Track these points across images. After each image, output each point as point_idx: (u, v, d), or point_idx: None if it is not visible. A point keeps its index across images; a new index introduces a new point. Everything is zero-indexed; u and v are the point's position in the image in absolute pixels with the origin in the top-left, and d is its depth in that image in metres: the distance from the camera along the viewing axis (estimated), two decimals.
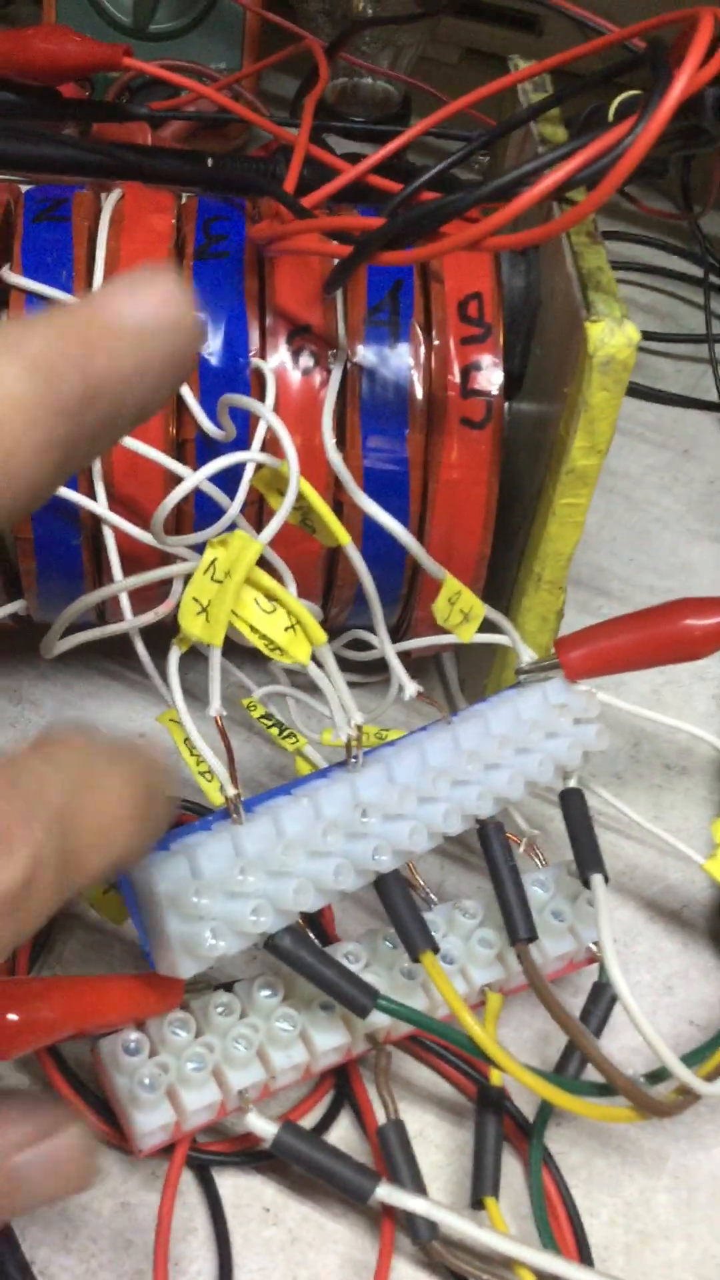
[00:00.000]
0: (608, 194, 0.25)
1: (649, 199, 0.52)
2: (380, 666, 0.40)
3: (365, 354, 0.33)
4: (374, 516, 0.29)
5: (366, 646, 0.35)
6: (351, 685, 0.33)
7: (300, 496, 0.28)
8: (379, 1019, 0.29)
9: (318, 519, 0.28)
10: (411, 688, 0.32)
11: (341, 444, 0.33)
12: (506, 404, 0.37)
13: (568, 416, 0.31)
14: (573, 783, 0.33)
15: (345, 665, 0.32)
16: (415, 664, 0.42)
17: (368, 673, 0.42)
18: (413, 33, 0.57)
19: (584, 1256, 0.30)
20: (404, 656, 0.38)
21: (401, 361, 0.33)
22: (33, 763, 0.20)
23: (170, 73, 0.42)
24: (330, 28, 0.58)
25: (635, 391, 0.55)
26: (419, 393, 0.33)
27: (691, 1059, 0.31)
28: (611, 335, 0.29)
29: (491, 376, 0.33)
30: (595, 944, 0.33)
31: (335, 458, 0.30)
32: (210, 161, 0.44)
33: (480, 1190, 0.30)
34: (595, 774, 0.41)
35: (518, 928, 0.31)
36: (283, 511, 0.27)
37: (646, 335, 0.58)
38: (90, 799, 0.20)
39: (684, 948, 0.37)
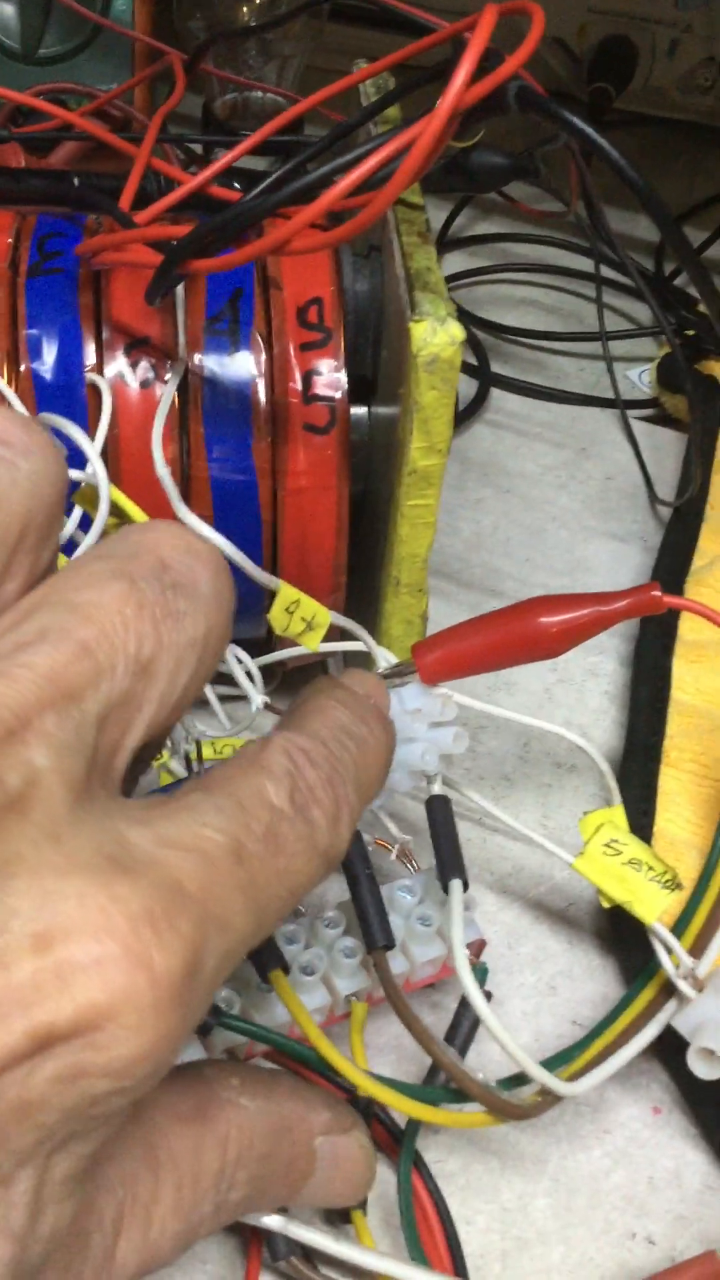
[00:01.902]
0: (395, 195, 0.25)
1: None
2: (277, 674, 0.40)
3: (206, 364, 0.33)
4: (194, 528, 0.29)
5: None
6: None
7: (121, 513, 0.28)
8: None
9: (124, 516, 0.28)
10: (259, 700, 0.31)
11: (187, 455, 0.33)
12: (367, 409, 0.37)
13: (404, 418, 0.31)
14: (436, 787, 0.33)
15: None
16: (312, 668, 0.42)
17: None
18: (295, 44, 0.57)
19: (458, 1267, 0.30)
20: (280, 666, 0.37)
21: (242, 370, 0.33)
22: (338, 734, 0.23)
23: (32, 99, 0.42)
24: (214, 46, 0.58)
25: (533, 391, 0.55)
26: (262, 401, 0.33)
27: (559, 1060, 0.31)
28: (434, 334, 0.29)
29: (333, 382, 0.33)
30: (468, 946, 0.33)
31: (163, 471, 0.30)
32: (76, 181, 0.44)
33: None
34: (484, 776, 0.41)
35: (374, 935, 0.30)
36: (95, 529, 0.27)
37: (546, 335, 0.59)
38: (369, 758, 0.24)
39: (569, 946, 0.37)
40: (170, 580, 0.20)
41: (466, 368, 0.56)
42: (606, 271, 0.58)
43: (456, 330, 0.29)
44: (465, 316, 0.59)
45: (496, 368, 0.57)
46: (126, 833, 0.18)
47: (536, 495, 0.51)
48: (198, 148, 0.56)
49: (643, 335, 0.59)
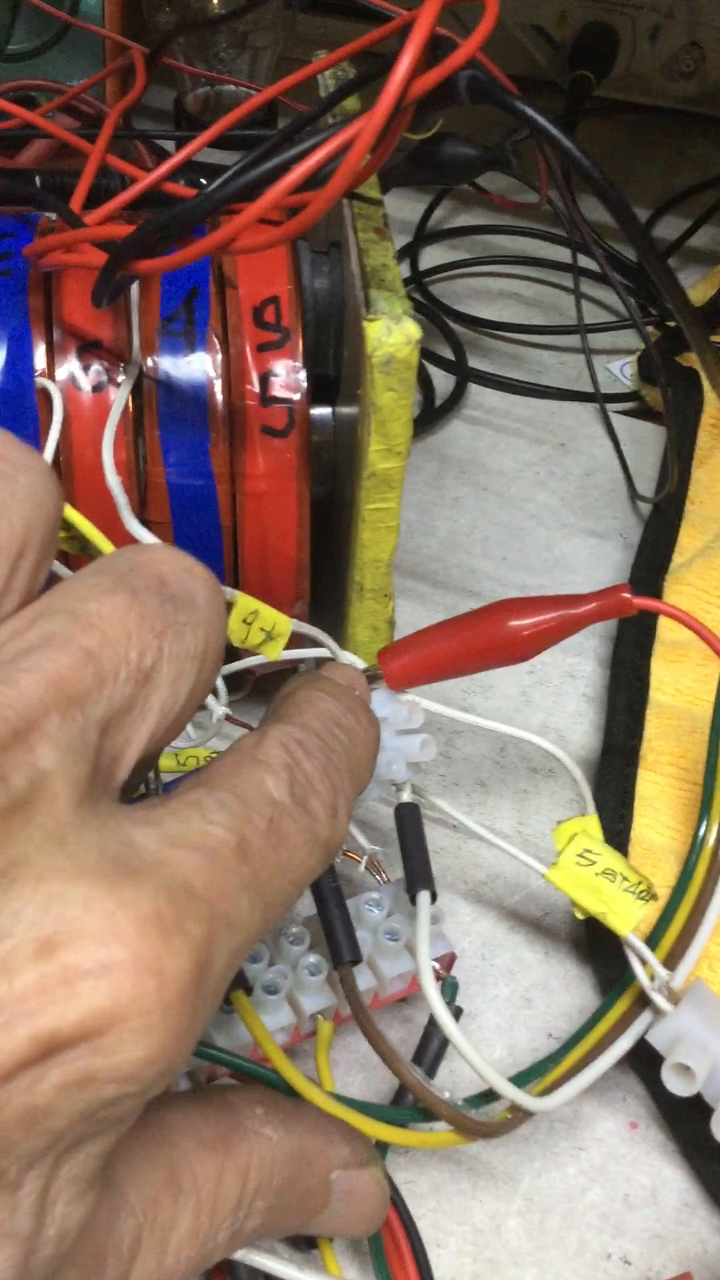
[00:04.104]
0: (338, 192, 0.24)
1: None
2: (247, 682, 0.39)
3: (161, 366, 0.32)
4: (139, 539, 0.28)
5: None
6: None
7: (69, 524, 0.27)
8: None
9: (94, 547, 0.27)
10: (219, 711, 0.30)
11: (143, 461, 0.32)
12: (331, 410, 0.36)
13: (363, 420, 0.30)
14: (405, 795, 0.32)
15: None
16: (282, 675, 0.41)
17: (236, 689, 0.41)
18: (267, 35, 0.56)
19: None
20: (249, 674, 0.37)
21: (198, 372, 0.32)
22: (329, 725, 0.23)
23: None
24: (184, 40, 0.57)
25: (511, 386, 0.54)
26: (219, 403, 0.32)
27: (530, 1074, 0.30)
28: (389, 334, 0.28)
29: (291, 383, 0.32)
30: (436, 961, 0.32)
31: (113, 479, 0.29)
32: (38, 180, 0.43)
33: None
34: (459, 782, 0.40)
35: (340, 950, 0.30)
36: None
37: (524, 329, 0.58)
38: (359, 748, 0.24)
39: (545, 957, 0.36)
40: (169, 594, 0.20)
41: (443, 363, 0.55)
42: (589, 263, 0.57)
43: (413, 329, 0.28)
44: (443, 310, 0.58)
45: (476, 362, 0.56)
46: (132, 834, 0.18)
47: (514, 492, 0.50)
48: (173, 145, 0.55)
49: (623, 327, 0.58)
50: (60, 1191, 0.18)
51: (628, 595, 0.30)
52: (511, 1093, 0.28)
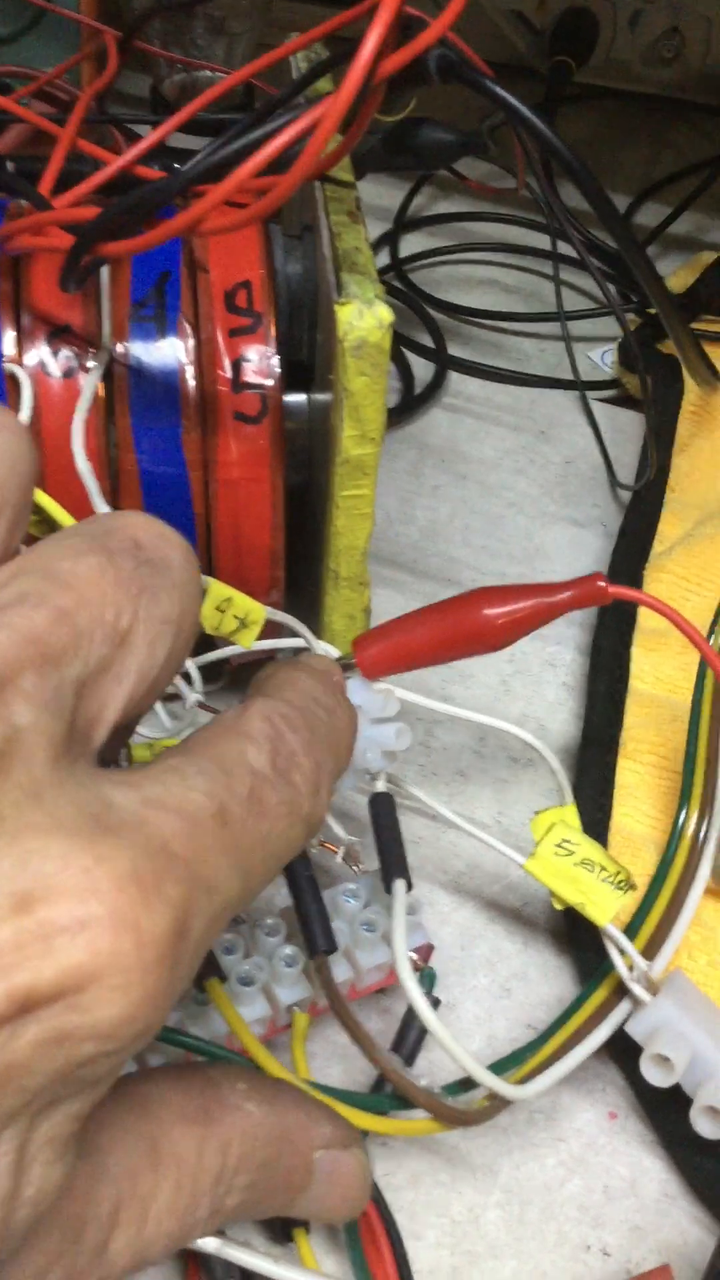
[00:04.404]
0: (302, 174, 0.23)
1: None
2: (224, 672, 0.38)
3: (132, 351, 0.32)
4: None
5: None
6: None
7: (39, 508, 0.27)
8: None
9: (50, 522, 0.27)
10: (193, 697, 0.30)
11: (115, 448, 0.31)
12: (306, 396, 0.36)
13: (336, 406, 0.30)
14: (380, 785, 0.32)
15: None
16: (259, 664, 0.41)
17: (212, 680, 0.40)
18: (243, 20, 0.55)
19: None
20: (225, 664, 0.36)
21: (169, 358, 0.31)
22: (310, 703, 0.23)
23: None
24: (160, 25, 0.57)
25: (491, 374, 0.53)
26: (191, 390, 0.32)
27: (508, 1063, 0.30)
28: (360, 318, 0.28)
29: (264, 369, 0.32)
30: (414, 951, 0.32)
31: (83, 464, 0.29)
32: (10, 165, 0.43)
33: (289, 1221, 0.29)
34: (438, 772, 0.40)
35: (315, 940, 0.29)
36: None
37: (505, 316, 0.57)
38: (339, 727, 0.24)
39: (524, 947, 0.36)
40: (144, 558, 0.20)
41: (423, 351, 0.55)
42: (572, 250, 0.57)
43: (385, 313, 0.28)
44: (423, 298, 0.57)
45: (456, 350, 0.55)
46: (111, 794, 0.18)
47: (494, 480, 0.50)
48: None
49: (604, 314, 0.57)
50: (37, 1152, 0.18)
51: (603, 584, 0.30)
52: (489, 1080, 0.28)
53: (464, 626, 0.32)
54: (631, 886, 0.31)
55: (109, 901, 0.16)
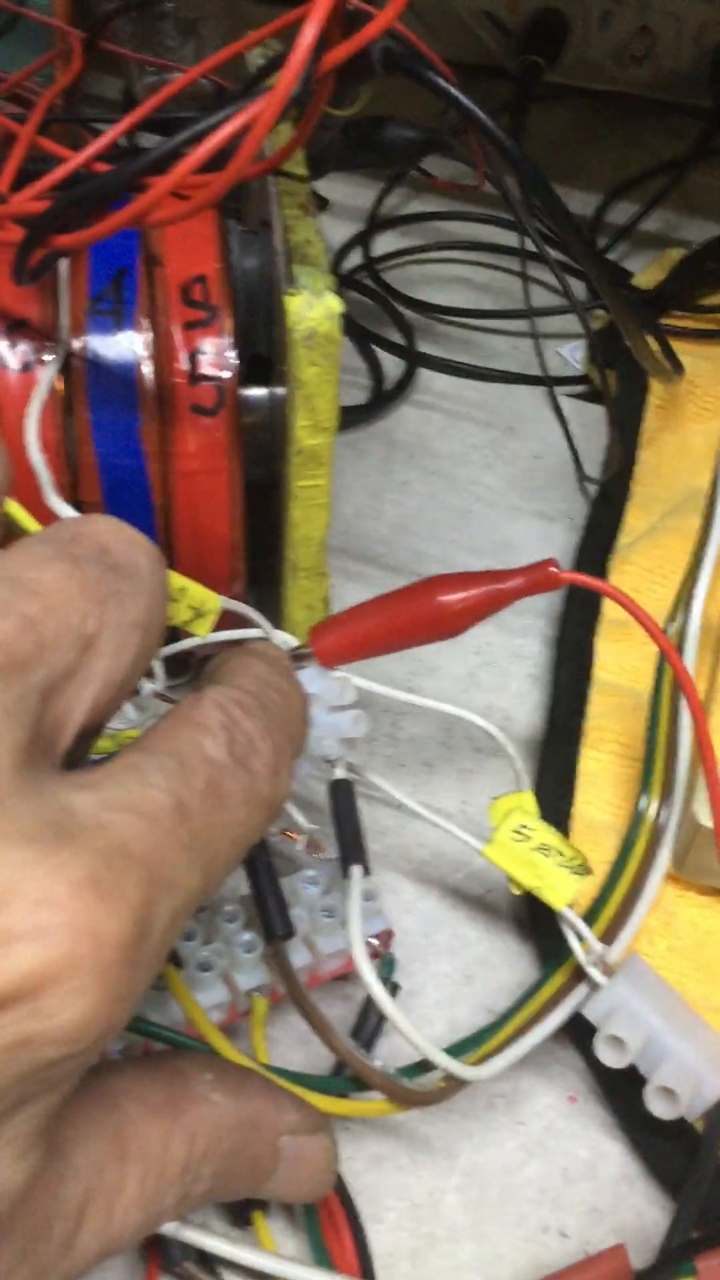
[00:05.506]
0: (241, 166, 0.24)
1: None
2: (191, 664, 0.39)
3: (90, 345, 0.32)
4: (62, 517, 0.28)
5: None
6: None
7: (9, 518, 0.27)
8: None
9: (19, 528, 0.27)
10: (149, 687, 0.30)
11: (74, 441, 0.32)
12: (267, 390, 0.36)
13: (290, 396, 0.30)
14: (339, 772, 0.32)
15: None
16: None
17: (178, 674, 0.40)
18: (213, 23, 0.55)
19: (365, 1267, 0.29)
20: (191, 655, 0.37)
21: (126, 351, 0.32)
22: (263, 687, 0.24)
23: None
24: (131, 28, 0.57)
25: (460, 370, 0.54)
26: (149, 382, 0.32)
27: (466, 1046, 0.30)
28: (310, 308, 0.28)
29: (220, 361, 0.32)
30: (375, 937, 0.32)
31: (37, 457, 0.29)
32: None
33: (247, 1204, 0.29)
34: (404, 763, 0.40)
35: (272, 925, 0.30)
36: None
37: (474, 313, 0.58)
38: (293, 709, 0.24)
39: (486, 933, 0.36)
40: (111, 563, 0.20)
41: (394, 348, 0.55)
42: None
43: (334, 303, 0.28)
44: (394, 296, 0.58)
45: (428, 348, 0.56)
46: (70, 799, 0.18)
47: (463, 475, 0.50)
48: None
49: (572, 311, 0.58)
50: (2, 1152, 0.18)
51: (555, 570, 0.30)
52: (443, 1061, 0.28)
53: (419, 613, 0.32)
54: (588, 871, 0.31)
55: (66, 908, 0.17)
